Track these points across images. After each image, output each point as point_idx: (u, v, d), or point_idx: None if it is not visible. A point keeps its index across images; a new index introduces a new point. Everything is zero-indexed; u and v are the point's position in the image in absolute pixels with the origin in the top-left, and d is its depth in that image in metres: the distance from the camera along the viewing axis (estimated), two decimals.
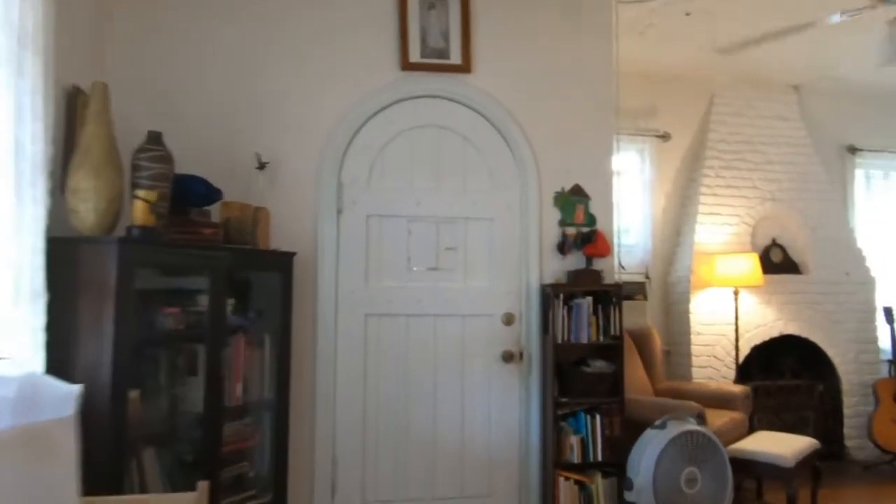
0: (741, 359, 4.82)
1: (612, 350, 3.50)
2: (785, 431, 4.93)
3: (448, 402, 3.43)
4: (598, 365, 3.49)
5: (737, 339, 4.76)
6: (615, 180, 3.77)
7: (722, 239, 4.99)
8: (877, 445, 4.81)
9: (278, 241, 3.26)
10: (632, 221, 5.14)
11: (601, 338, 3.47)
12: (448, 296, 3.46)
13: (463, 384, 3.46)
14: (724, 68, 5.10)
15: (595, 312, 3.49)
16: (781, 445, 3.71)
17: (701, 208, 5.01)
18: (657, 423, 3.38)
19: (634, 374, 4.46)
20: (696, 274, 4.86)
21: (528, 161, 3.58)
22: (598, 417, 3.41)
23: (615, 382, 3.46)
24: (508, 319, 3.52)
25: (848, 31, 4.34)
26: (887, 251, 5.56)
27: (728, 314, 4.87)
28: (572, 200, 3.65)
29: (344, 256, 3.36)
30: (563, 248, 3.60)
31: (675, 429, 3.34)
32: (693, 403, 3.73)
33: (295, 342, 3.19)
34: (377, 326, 3.38)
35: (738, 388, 4.37)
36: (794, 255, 5.16)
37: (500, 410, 3.49)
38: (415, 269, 3.45)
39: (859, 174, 5.60)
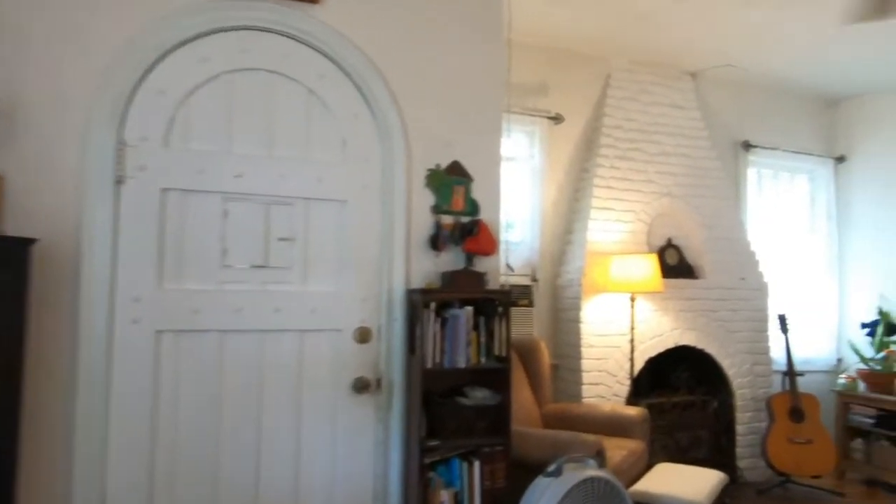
0: (634, 373, 4.25)
1: (496, 376, 2.72)
2: (679, 453, 4.44)
3: (277, 450, 2.50)
4: (479, 395, 2.70)
5: (632, 352, 4.18)
6: (503, 164, 3.00)
7: (616, 238, 4.41)
8: (771, 466, 4.41)
9: (17, 221, 2.18)
10: (518, 215, 4.43)
11: (483, 359, 2.68)
12: (280, 304, 2.52)
13: (299, 424, 2.54)
14: (621, 48, 4.53)
15: (476, 326, 2.70)
16: (690, 485, 3.11)
17: (594, 202, 4.39)
18: (550, 468, 2.62)
19: (519, 395, 3.74)
20: (589, 277, 4.23)
21: (395, 127, 2.72)
22: (476, 465, 2.62)
23: (500, 418, 2.68)
24: (363, 336, 2.64)
25: (745, 12, 3.88)
26: (777, 255, 5.26)
27: (622, 323, 4.28)
28: (450, 181, 2.84)
29: (125, 247, 2.33)
30: (436, 242, 2.78)
31: (571, 476, 2.60)
32: (591, 438, 3.03)
33: (34, 372, 2.14)
34: (175, 348, 2.38)
35: (634, 411, 3.76)
36: (690, 258, 4.68)
37: (350, 458, 2.61)
38: (233, 266, 2.49)
39: (751, 172, 5.26)
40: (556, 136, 4.56)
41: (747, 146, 5.17)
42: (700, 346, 4.53)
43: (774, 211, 5.36)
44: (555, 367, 4.36)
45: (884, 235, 5.16)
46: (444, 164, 2.82)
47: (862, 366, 4.95)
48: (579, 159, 4.64)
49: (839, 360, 5.36)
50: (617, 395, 4.23)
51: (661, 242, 4.63)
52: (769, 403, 4.53)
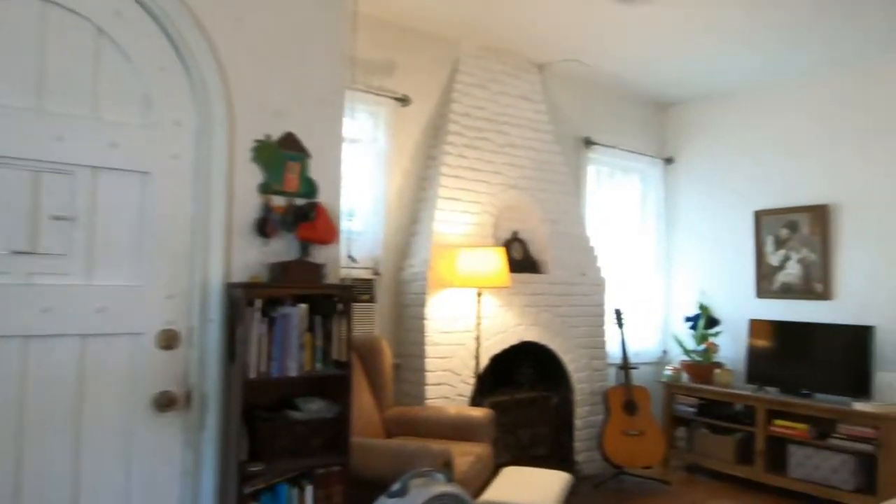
0: (479, 371, 4.07)
1: (335, 383, 2.35)
2: (521, 451, 4.35)
3: (46, 491, 1.94)
4: (314, 408, 2.32)
5: (478, 350, 4.00)
6: (345, 145, 2.63)
7: (463, 230, 4.20)
8: (606, 459, 4.46)
9: None
10: (360, 202, 4.06)
11: (319, 366, 2.30)
12: (52, 302, 1.96)
13: (77, 455, 1.99)
14: (471, 31, 4.33)
15: (311, 327, 2.31)
16: (538, 490, 2.95)
17: (441, 191, 4.15)
18: (394, 487, 2.32)
19: (359, 401, 3.39)
20: (435, 270, 3.98)
21: (215, 87, 2.24)
22: (309, 490, 2.23)
23: (339, 432, 2.32)
24: (168, 341, 2.15)
25: (588, 8, 3.85)
26: (611, 251, 5.39)
27: (468, 320, 4.08)
28: (282, 156, 2.41)
29: None
30: (265, 227, 2.34)
31: (418, 495, 2.32)
32: (437, 448, 2.76)
33: None
34: None
35: (480, 413, 3.57)
36: (534, 252, 4.61)
37: (148, 492, 2.10)
38: None
39: (591, 169, 5.33)
40: (402, 118, 4.25)
41: (588, 143, 5.23)
42: (543, 341, 4.47)
43: (610, 208, 5.49)
44: (397, 367, 4.06)
45: (704, 234, 5.47)
46: (276, 135, 2.39)
47: (685, 357, 5.21)
48: (426, 146, 4.38)
49: (664, 353, 5.63)
50: (461, 395, 4.03)
51: (506, 236, 4.51)
52: (605, 397, 4.59)
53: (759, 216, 5.08)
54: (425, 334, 3.91)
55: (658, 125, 5.81)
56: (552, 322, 4.52)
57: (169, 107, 2.17)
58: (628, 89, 5.42)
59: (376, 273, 4.09)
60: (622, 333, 4.73)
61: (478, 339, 4.00)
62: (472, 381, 4.06)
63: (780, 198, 4.98)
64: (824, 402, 4.32)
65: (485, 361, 4.13)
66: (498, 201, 4.43)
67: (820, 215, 4.72)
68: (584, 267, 4.78)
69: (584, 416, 4.66)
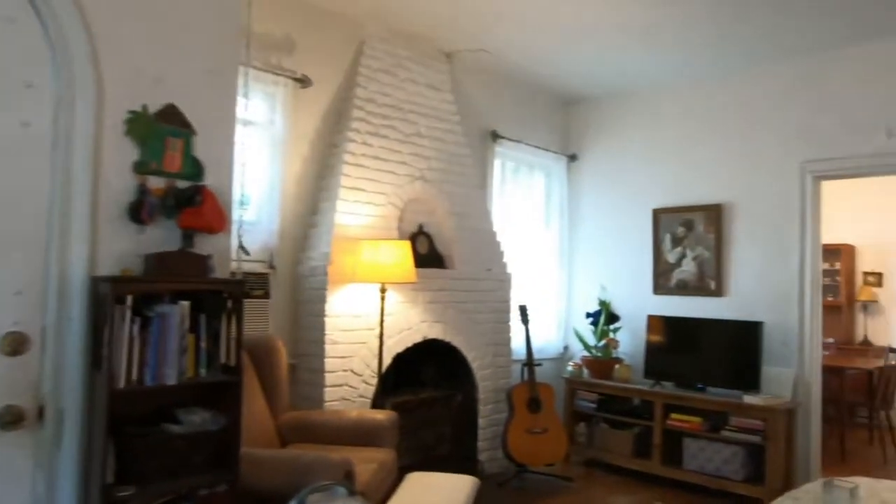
0: (382, 371, 3.87)
1: (223, 391, 2.08)
2: (424, 452, 4.19)
3: None
4: (196, 420, 2.03)
5: (381, 348, 3.79)
6: (238, 125, 2.35)
7: (366, 222, 3.97)
8: (510, 458, 4.39)
9: None
10: (254, 190, 3.74)
11: (204, 371, 2.02)
12: None
13: None
14: (377, 12, 4.10)
15: (195, 327, 2.02)
16: (444, 496, 2.79)
17: (344, 181, 3.90)
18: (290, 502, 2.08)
19: (251, 406, 3.09)
20: (336, 264, 3.73)
21: (79, 45, 1.90)
22: None
23: (226, 446, 2.05)
24: (15, 346, 1.79)
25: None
26: (516, 247, 5.33)
27: (370, 317, 3.86)
28: (161, 131, 2.10)
29: None
30: (140, 212, 2.03)
31: None
32: (338, 457, 2.54)
33: None
34: None
35: (383, 416, 3.37)
36: (440, 246, 4.46)
37: None
38: None
39: (497, 163, 5.24)
40: (302, 101, 3.96)
41: (495, 136, 5.14)
42: (447, 338, 4.33)
43: (516, 203, 5.44)
44: (293, 368, 3.78)
45: (606, 231, 5.54)
46: (155, 106, 2.08)
47: (586, 353, 5.24)
48: (328, 132, 4.11)
49: (566, 348, 5.65)
50: (363, 397, 3.81)
51: (412, 229, 4.32)
52: (509, 395, 4.52)
53: (658, 214, 5.19)
54: (325, 332, 3.66)
55: (563, 122, 5.82)
56: (457, 319, 4.39)
57: (17, 64, 1.81)
58: (535, 84, 5.38)
59: (271, 267, 3.78)
60: (527, 330, 4.67)
61: (381, 337, 3.79)
62: (374, 381, 3.85)
63: (677, 197, 5.11)
64: (717, 395, 4.46)
65: (387, 360, 3.93)
66: (404, 193, 4.23)
67: (714, 214, 4.88)
68: (491, 262, 4.69)
69: (488, 414, 4.56)
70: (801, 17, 3.90)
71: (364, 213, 3.97)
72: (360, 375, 3.82)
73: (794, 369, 4.40)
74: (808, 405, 4.35)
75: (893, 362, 5.79)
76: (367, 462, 2.95)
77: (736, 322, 4.57)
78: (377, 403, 3.81)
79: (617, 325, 5.26)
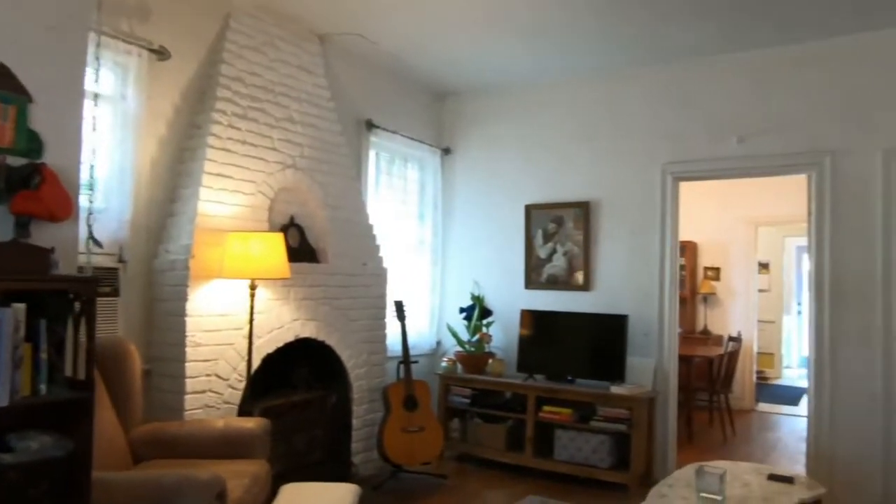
0: (251, 374, 3.56)
1: (68, 410, 1.74)
2: (297, 459, 3.95)
3: None
4: (34, 446, 1.69)
5: (250, 350, 3.49)
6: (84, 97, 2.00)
7: (234, 212, 3.64)
8: (386, 459, 4.26)
9: None
10: (101, 173, 3.28)
11: (44, 388, 1.68)
12: None
13: None
14: None
15: (33, 336, 1.67)
16: None
17: (208, 166, 3.54)
18: None
19: (99, 419, 2.67)
20: (199, 258, 3.38)
21: None
22: None
23: (74, 474, 1.72)
24: None
25: None
26: (391, 241, 5.18)
27: (238, 316, 3.54)
28: None
29: None
30: None
31: None
32: (206, 477, 2.26)
33: None
34: None
35: (254, 424, 3.09)
36: (312, 239, 4.21)
37: None
38: None
39: (372, 154, 5.06)
40: (159, 75, 3.53)
41: (370, 126, 4.95)
42: (321, 337, 4.10)
43: (390, 195, 5.29)
44: (147, 374, 3.37)
45: (479, 226, 5.54)
46: None
47: (459, 348, 5.22)
48: (189, 111, 3.71)
49: (438, 343, 5.60)
50: (229, 403, 3.49)
51: (283, 220, 4.03)
52: (385, 393, 4.38)
53: (530, 210, 5.28)
54: (186, 334, 3.30)
55: (438, 114, 5.76)
56: (331, 316, 4.17)
57: None
58: (411, 74, 5.26)
59: (121, 260, 3.35)
60: (403, 326, 4.55)
61: (250, 337, 3.49)
62: (241, 385, 3.54)
63: (549, 193, 5.22)
64: (586, 387, 4.60)
65: (256, 362, 3.64)
66: (275, 181, 3.94)
67: (583, 211, 5.04)
68: (366, 256, 4.51)
69: (363, 414, 4.39)
70: (677, 23, 4.06)
71: (231, 202, 3.63)
72: (226, 380, 3.49)
73: (654, 359, 4.65)
74: (667, 392, 4.62)
75: (731, 349, 6.35)
76: (239, 477, 2.68)
77: (603, 315, 4.75)
78: (245, 410, 3.51)
79: (490, 319, 5.28)
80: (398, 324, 4.56)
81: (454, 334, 5.27)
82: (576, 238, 5.07)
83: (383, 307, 4.60)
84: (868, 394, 4.00)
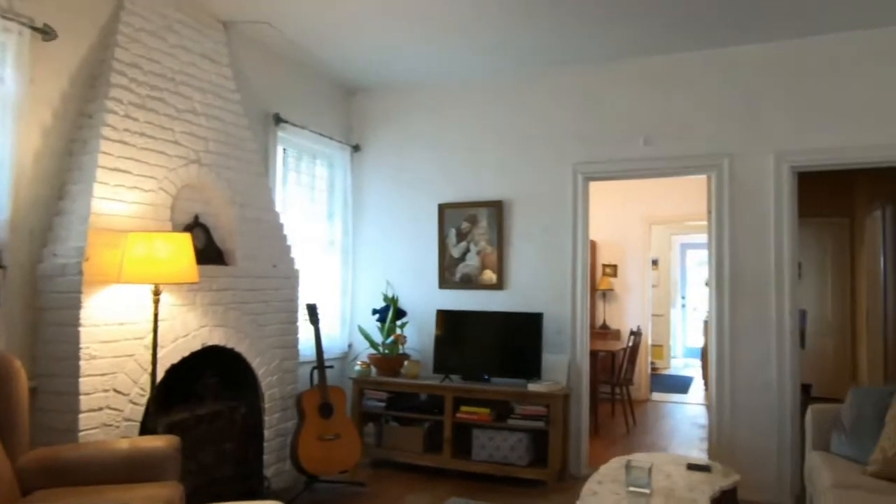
0: (154, 387, 3.26)
1: None
2: (204, 475, 3.67)
3: None
4: None
5: (154, 361, 3.19)
6: None
7: (132, 210, 3.32)
8: (301, 470, 4.05)
9: None
10: None
11: None
12: None
13: None
14: None
15: None
16: None
17: (103, 160, 3.20)
18: None
19: None
20: (95, 262, 3.04)
21: None
22: None
23: None
24: None
25: None
26: (300, 241, 4.95)
27: (140, 324, 3.24)
28: None
29: None
30: None
31: None
32: None
33: None
34: None
35: (162, 442, 2.82)
36: (219, 240, 3.93)
37: None
38: None
39: (280, 150, 4.81)
40: (43, 57, 3.16)
41: (278, 120, 4.70)
42: (230, 344, 3.84)
43: (299, 193, 5.06)
44: (33, 393, 3.00)
45: (392, 225, 5.43)
46: None
47: (372, 351, 5.09)
48: (80, 98, 3.35)
49: (350, 346, 5.43)
50: (130, 420, 3.18)
51: (187, 220, 3.74)
52: (299, 401, 4.17)
53: (443, 209, 5.22)
54: (80, 346, 2.97)
55: (347, 110, 5.58)
56: (240, 321, 3.92)
57: None
58: (319, 67, 5.06)
59: (0, 265, 2.96)
60: (317, 330, 4.36)
61: (154, 346, 3.19)
62: (144, 400, 3.24)
63: (462, 192, 5.19)
64: (503, 385, 4.61)
65: (160, 374, 3.34)
66: (177, 178, 3.64)
67: (496, 210, 5.05)
68: (276, 258, 4.28)
69: (275, 424, 4.16)
70: (588, 26, 4.15)
71: (130, 199, 3.31)
72: (127, 395, 3.18)
73: (567, 356, 4.73)
74: (580, 388, 4.72)
75: (632, 343, 6.62)
76: (150, 502, 2.42)
77: (518, 314, 4.78)
78: (148, 426, 3.21)
79: (404, 320, 5.19)
80: (311, 328, 4.36)
81: (367, 336, 5.13)
82: (489, 237, 5.07)
83: (295, 311, 4.39)
84: (763, 382, 4.27)
